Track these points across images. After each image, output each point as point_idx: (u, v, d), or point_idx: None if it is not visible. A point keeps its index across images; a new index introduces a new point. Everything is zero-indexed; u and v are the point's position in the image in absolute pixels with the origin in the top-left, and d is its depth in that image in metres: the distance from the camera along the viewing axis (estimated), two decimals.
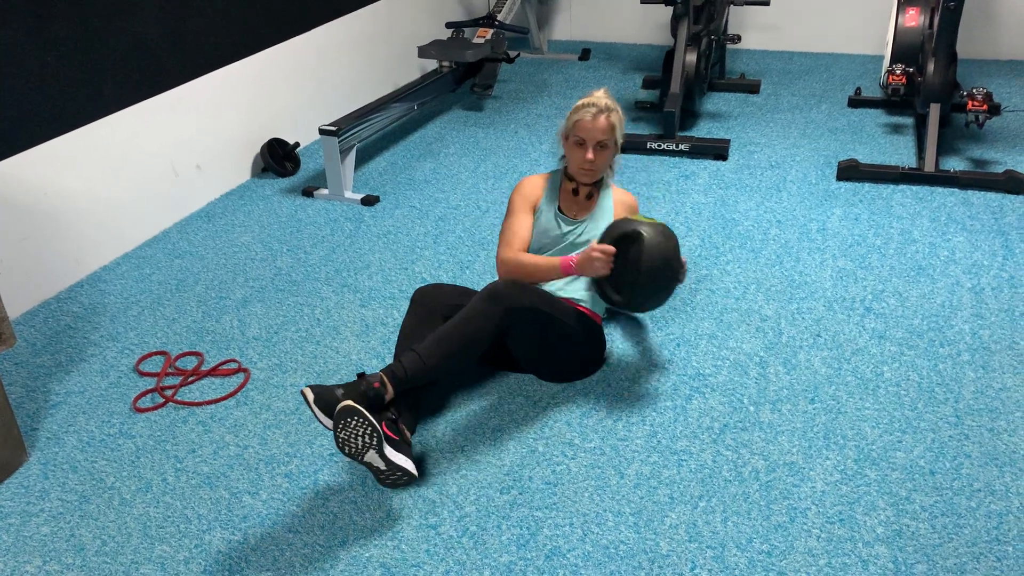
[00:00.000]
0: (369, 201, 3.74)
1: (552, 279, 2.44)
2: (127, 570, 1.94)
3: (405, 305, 2.95)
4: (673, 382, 2.50)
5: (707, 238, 3.33)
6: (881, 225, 3.38)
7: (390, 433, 2.07)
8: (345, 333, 2.80)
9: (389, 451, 2.02)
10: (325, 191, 3.83)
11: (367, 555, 1.96)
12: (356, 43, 4.75)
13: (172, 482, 2.20)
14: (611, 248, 2.31)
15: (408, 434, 2.16)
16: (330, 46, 4.52)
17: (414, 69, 5.31)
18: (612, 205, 2.62)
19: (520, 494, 2.11)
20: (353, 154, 3.80)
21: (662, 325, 2.78)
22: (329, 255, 3.32)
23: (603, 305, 2.59)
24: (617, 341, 2.70)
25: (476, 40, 4.80)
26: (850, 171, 3.76)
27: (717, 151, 4.06)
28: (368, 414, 1.98)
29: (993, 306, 2.81)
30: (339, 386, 2.10)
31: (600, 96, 2.48)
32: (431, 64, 5.40)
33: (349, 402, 1.97)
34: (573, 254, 2.44)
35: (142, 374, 2.64)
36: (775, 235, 3.33)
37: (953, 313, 2.78)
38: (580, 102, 2.47)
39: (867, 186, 3.72)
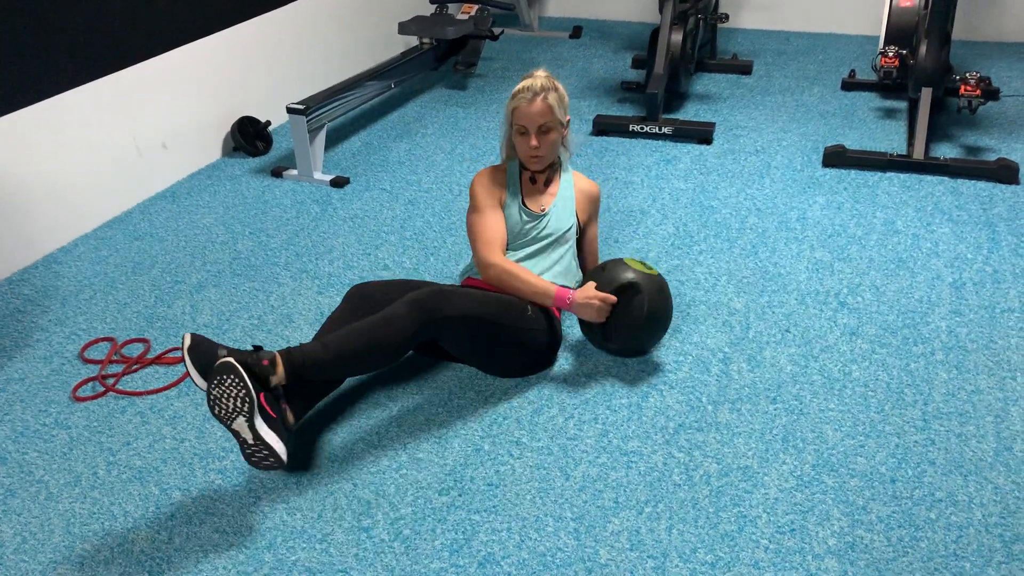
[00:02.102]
0: (338, 183, 3.63)
1: (541, 304, 2.36)
2: (44, 570, 1.87)
3: None
4: (631, 378, 2.40)
5: (682, 226, 3.21)
6: (864, 215, 3.25)
7: (267, 407, 1.93)
8: (298, 321, 2.71)
9: (260, 424, 1.89)
10: (294, 172, 3.72)
11: (293, 558, 1.87)
12: (336, 18, 4.63)
13: (103, 476, 2.12)
14: (613, 298, 2.31)
15: (291, 418, 2.03)
16: (309, 21, 4.40)
17: (398, 46, 5.18)
18: (574, 194, 2.52)
19: (460, 496, 2.02)
20: (323, 133, 3.69)
21: None
22: (292, 239, 3.22)
23: None
24: (575, 334, 2.60)
25: (460, 16, 4.67)
26: (836, 157, 3.63)
27: (701, 135, 3.94)
28: (247, 377, 1.87)
29: (973, 302, 2.69)
30: (224, 346, 1.97)
31: (538, 77, 2.37)
32: (416, 41, 5.26)
33: (231, 359, 1.86)
34: (570, 290, 2.34)
35: (86, 361, 2.56)
36: (753, 224, 3.21)
37: (931, 309, 2.66)
38: (516, 88, 2.37)
39: (853, 173, 3.59)
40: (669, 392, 2.34)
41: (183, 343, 1.93)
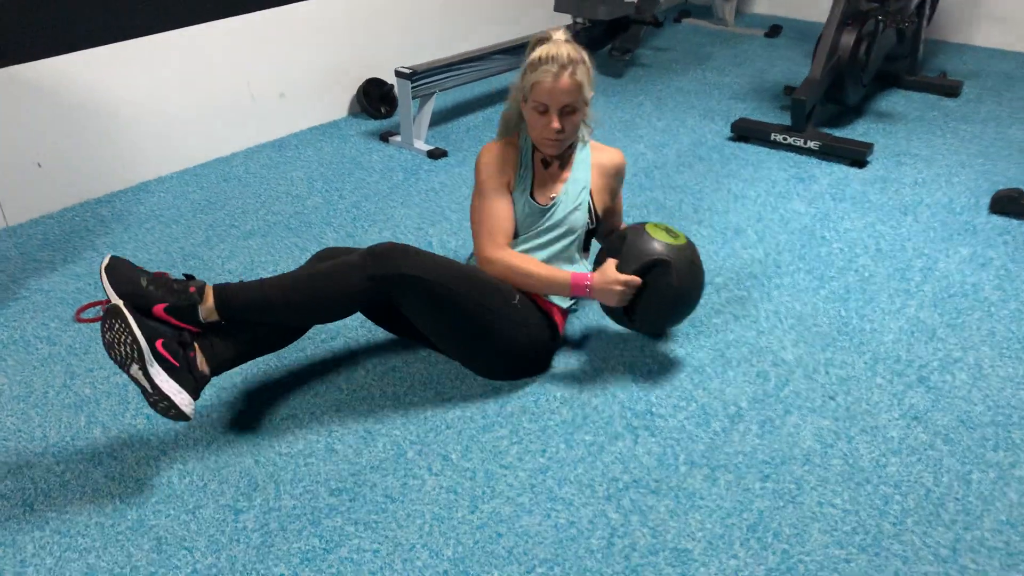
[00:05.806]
0: (435, 154, 3.49)
1: (557, 295, 2.11)
2: None
3: None
4: (611, 413, 2.04)
5: (774, 254, 2.73)
6: (1013, 277, 2.58)
7: (167, 354, 1.76)
8: None
9: (156, 372, 1.73)
10: (399, 138, 3.63)
11: (153, 522, 1.76)
12: None
13: (51, 397, 2.13)
14: (637, 280, 2.02)
15: (204, 366, 1.84)
16: None
17: (559, 21, 4.93)
18: (589, 175, 2.17)
19: (350, 500, 1.80)
20: (431, 102, 3.56)
21: (648, 343, 2.29)
22: (359, 202, 3.12)
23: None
24: (576, 345, 2.26)
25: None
26: (1008, 203, 2.93)
27: (854, 155, 3.35)
28: (135, 325, 1.70)
29: None
30: (146, 273, 1.84)
31: (559, 43, 2.01)
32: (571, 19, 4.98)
33: (119, 304, 1.72)
34: (588, 275, 2.07)
35: None
36: (861, 265, 2.66)
37: None
38: (536, 55, 2.02)
39: None
40: (646, 439, 1.96)
41: (101, 263, 1.84)
